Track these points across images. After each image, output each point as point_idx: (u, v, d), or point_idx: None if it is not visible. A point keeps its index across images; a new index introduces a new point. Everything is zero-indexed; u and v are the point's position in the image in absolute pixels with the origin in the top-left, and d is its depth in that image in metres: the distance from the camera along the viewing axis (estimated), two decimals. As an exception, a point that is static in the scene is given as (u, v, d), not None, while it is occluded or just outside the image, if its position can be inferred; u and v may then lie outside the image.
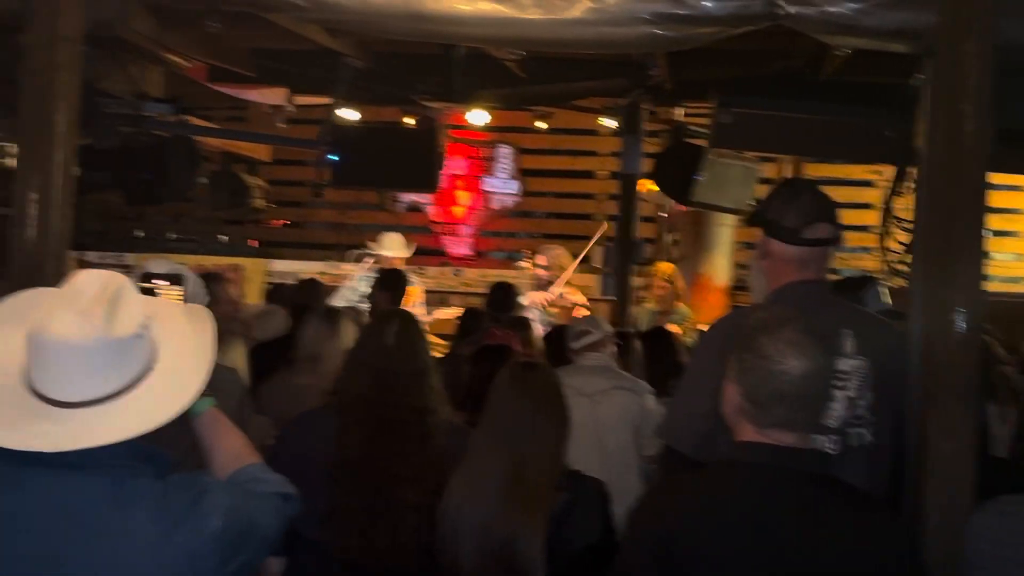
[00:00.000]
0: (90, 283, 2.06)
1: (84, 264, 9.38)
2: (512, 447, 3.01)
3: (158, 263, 3.50)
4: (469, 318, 6.51)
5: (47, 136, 3.53)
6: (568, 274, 7.80)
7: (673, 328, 6.91)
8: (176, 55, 6.34)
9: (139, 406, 2.04)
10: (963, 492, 3.03)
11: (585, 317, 5.09)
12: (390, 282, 6.53)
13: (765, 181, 8.32)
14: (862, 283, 5.26)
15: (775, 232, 3.10)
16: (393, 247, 8.38)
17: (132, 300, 2.09)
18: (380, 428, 3.27)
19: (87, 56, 4.93)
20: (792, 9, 3.54)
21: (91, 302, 2.02)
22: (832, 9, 3.53)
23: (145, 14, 5.43)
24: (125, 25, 4.06)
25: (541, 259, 7.89)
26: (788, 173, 9.14)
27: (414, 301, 7.70)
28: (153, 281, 2.61)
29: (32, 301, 2.18)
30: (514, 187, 11.56)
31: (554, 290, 7.64)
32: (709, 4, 3.61)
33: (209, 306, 4.30)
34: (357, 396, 3.32)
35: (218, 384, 3.54)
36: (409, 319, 3.53)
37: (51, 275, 3.53)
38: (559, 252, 7.97)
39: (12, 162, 4.70)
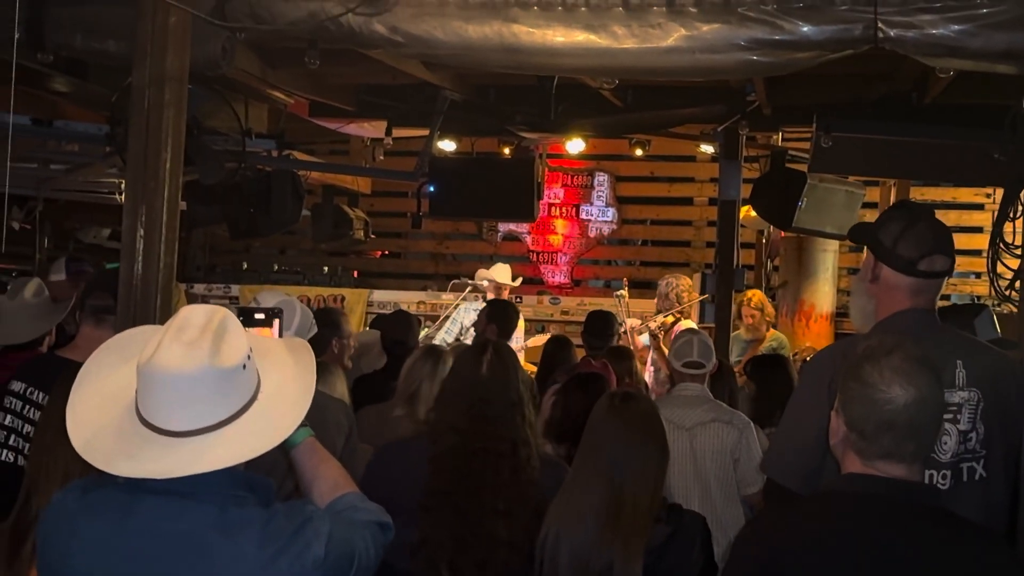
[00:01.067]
0: (196, 316, 2.11)
1: (192, 295, 9.65)
2: (610, 479, 2.98)
3: (267, 295, 3.56)
4: (553, 346, 6.47)
5: (154, 173, 3.64)
6: (685, 307, 7.71)
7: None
8: (279, 91, 6.50)
9: (243, 435, 2.08)
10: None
11: (691, 339, 4.93)
12: (499, 313, 6.53)
13: (869, 205, 8.17)
14: (973, 311, 5.08)
15: (889, 260, 2.98)
16: (503, 275, 8.37)
17: (236, 332, 2.14)
18: (472, 459, 3.25)
19: (194, 94, 5.10)
20: (893, 32, 3.46)
21: (197, 335, 2.07)
22: (935, 31, 3.44)
23: (249, 53, 5.60)
24: (229, 64, 4.16)
25: (660, 287, 7.85)
26: (893, 197, 8.93)
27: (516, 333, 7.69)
28: (254, 316, 2.65)
29: (141, 335, 2.25)
30: (611, 215, 11.52)
31: (657, 319, 7.57)
32: (807, 29, 3.56)
33: (329, 339, 4.36)
34: (450, 426, 3.32)
35: (329, 415, 3.60)
36: (503, 349, 3.51)
37: (158, 308, 3.64)
38: (679, 281, 7.89)
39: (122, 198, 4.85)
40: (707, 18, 3.65)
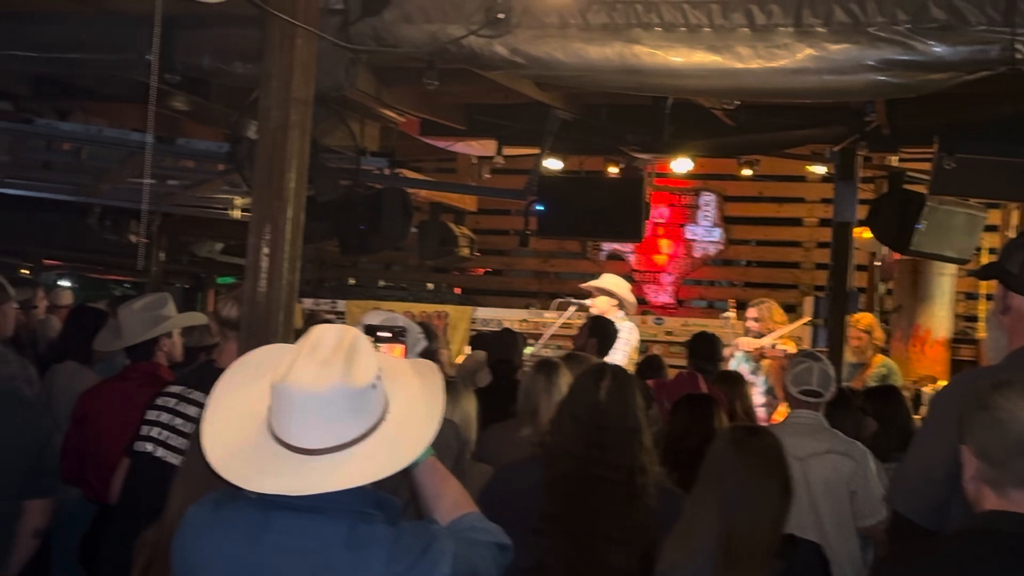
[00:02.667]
0: (329, 336, 2.15)
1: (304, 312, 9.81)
2: (729, 513, 2.90)
3: (376, 314, 3.59)
4: (647, 366, 6.38)
5: (278, 192, 3.70)
6: (786, 330, 7.56)
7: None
8: (392, 110, 6.59)
9: (375, 454, 2.10)
10: None
11: (808, 365, 4.78)
12: (600, 329, 6.49)
13: (990, 228, 7.92)
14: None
15: (1019, 286, 2.91)
16: (618, 285, 8.26)
17: (367, 352, 2.16)
18: (588, 485, 3.21)
19: (312, 113, 5.20)
20: (1032, 53, 3.34)
21: (330, 354, 2.10)
22: (1078, 52, 3.31)
23: (365, 72, 5.68)
24: (352, 85, 4.23)
25: (752, 311, 7.68)
26: (1015, 219, 8.63)
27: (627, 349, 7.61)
28: (378, 333, 2.68)
29: (274, 354, 2.30)
30: (717, 235, 11.38)
31: (766, 340, 7.42)
32: (941, 49, 3.45)
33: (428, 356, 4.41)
34: (565, 451, 3.28)
35: (438, 437, 3.61)
36: (622, 374, 3.46)
37: (281, 324, 3.70)
38: (770, 304, 7.74)
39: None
40: (836, 38, 3.57)
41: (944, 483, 2.55)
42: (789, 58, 3.60)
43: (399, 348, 2.64)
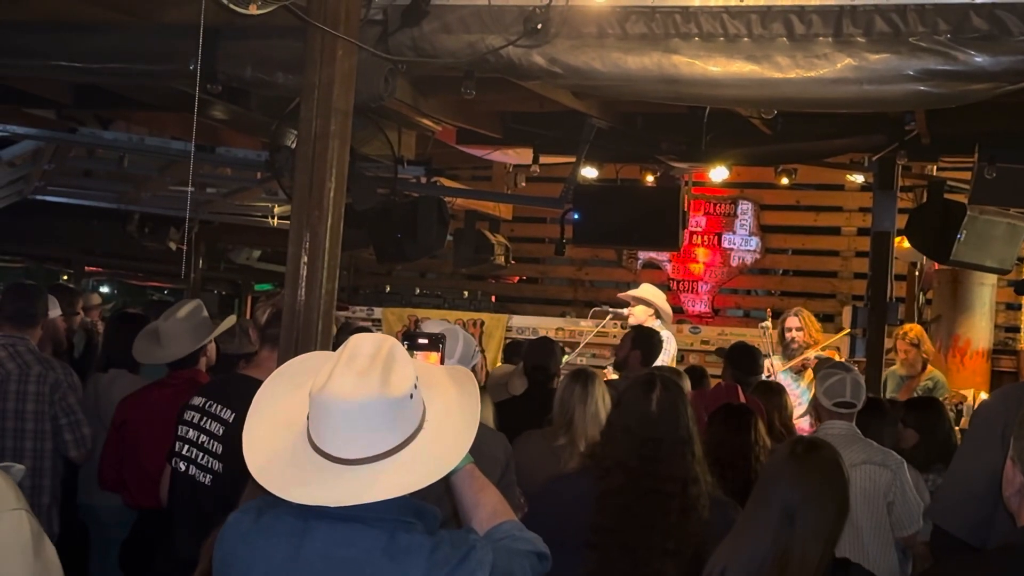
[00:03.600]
0: (366, 346, 2.16)
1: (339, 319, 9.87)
2: (780, 530, 2.87)
3: (430, 324, 3.60)
4: (690, 376, 6.34)
5: (318, 202, 3.73)
6: (828, 342, 7.51)
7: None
8: (429, 119, 6.61)
9: (413, 464, 2.11)
10: None
11: (841, 377, 4.76)
12: (644, 340, 6.47)
13: (1031, 239, 7.82)
14: None
15: None
16: (655, 295, 8.24)
17: (404, 362, 2.17)
18: (641, 497, 3.20)
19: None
20: (1075, 63, 3.31)
21: (368, 364, 2.11)
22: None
23: (403, 81, 5.70)
24: (391, 96, 4.26)
25: (793, 320, 7.63)
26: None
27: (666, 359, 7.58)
28: (417, 340, 2.69)
29: (312, 363, 2.32)
30: (754, 244, 11.33)
31: (809, 353, 7.37)
32: (982, 59, 3.43)
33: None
34: (618, 463, 3.27)
35: (484, 448, 3.62)
36: (672, 385, 3.44)
37: (320, 333, 3.72)
38: (805, 313, 7.69)
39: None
40: (876, 48, 3.55)
41: (987, 498, 2.53)
42: (828, 68, 3.58)
43: (435, 356, 2.65)
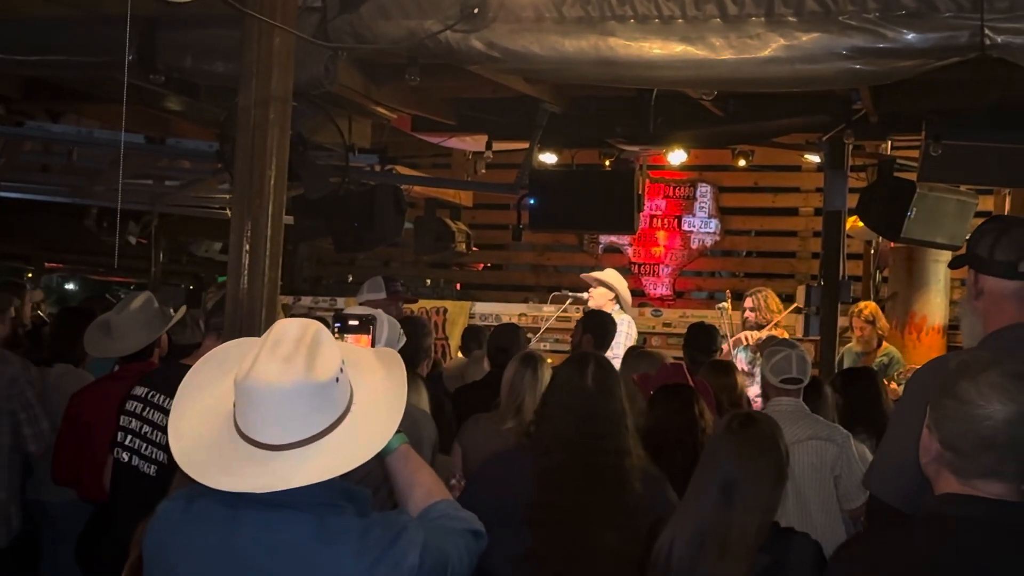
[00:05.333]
0: (291, 330, 2.16)
1: (299, 308, 9.85)
2: (720, 502, 2.93)
3: (353, 308, 3.61)
4: (635, 359, 6.38)
5: (259, 190, 3.74)
6: (780, 318, 7.59)
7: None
8: (382, 107, 6.61)
9: (340, 447, 2.12)
10: None
11: (787, 353, 4.83)
12: (595, 324, 6.51)
13: (982, 214, 7.91)
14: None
15: (988, 268, 2.92)
16: (616, 279, 8.28)
17: (329, 345, 2.18)
18: (580, 471, 3.27)
19: (299, 111, 5.22)
20: (1000, 39, 3.36)
21: (293, 349, 2.11)
22: (1046, 37, 3.33)
23: (352, 69, 5.70)
24: (332, 83, 4.26)
25: (748, 301, 7.71)
26: (1008, 205, 8.63)
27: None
28: (349, 322, 2.71)
29: (237, 350, 2.33)
30: (714, 226, 11.39)
31: (763, 333, 7.45)
32: (911, 36, 3.47)
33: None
34: (556, 439, 3.33)
35: (424, 431, 3.65)
36: (604, 362, 3.52)
37: (263, 321, 3.73)
38: (767, 293, 7.77)
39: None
40: (807, 27, 3.59)
41: (918, 466, 2.56)
42: (761, 48, 3.62)
43: (365, 338, 2.67)
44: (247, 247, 3.71)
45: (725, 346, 7.37)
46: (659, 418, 4.08)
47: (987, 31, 3.40)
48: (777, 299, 7.72)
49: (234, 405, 2.14)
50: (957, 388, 2.14)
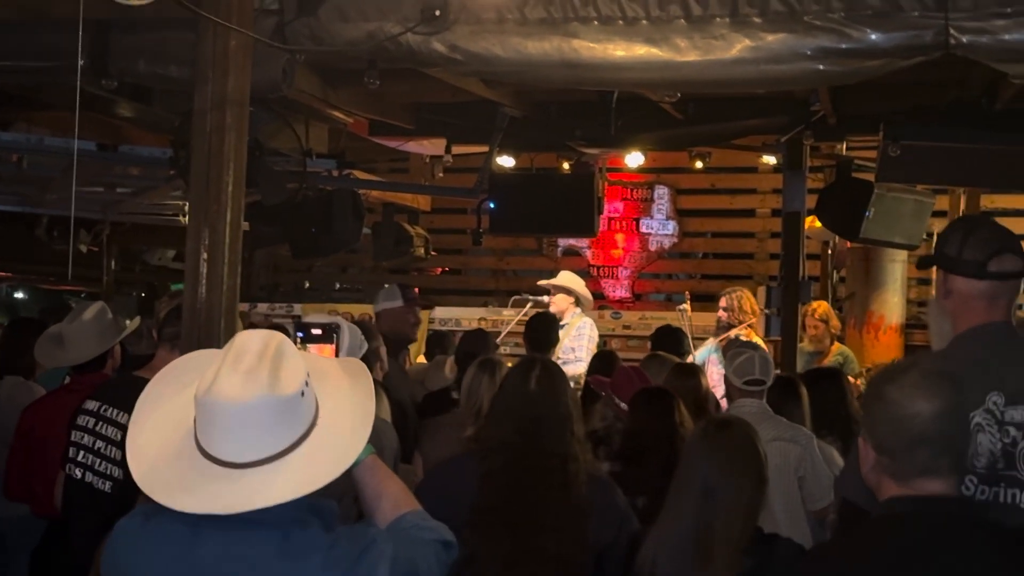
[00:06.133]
0: (253, 343, 2.09)
1: (255, 315, 9.73)
2: (701, 509, 2.91)
3: (315, 316, 3.55)
4: (601, 362, 6.37)
5: (216, 196, 3.65)
6: (753, 319, 7.60)
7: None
8: (339, 111, 6.54)
9: (307, 464, 2.05)
10: None
11: (750, 355, 4.83)
12: (530, 327, 6.53)
13: (939, 214, 7.99)
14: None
15: (957, 267, 2.93)
16: (574, 282, 8.26)
17: (293, 358, 2.11)
18: (522, 475, 3.26)
19: (256, 116, 5.13)
20: (965, 38, 3.37)
21: (255, 362, 2.04)
22: (1009, 36, 3.35)
23: (309, 73, 5.63)
24: (290, 86, 4.19)
25: (722, 301, 7.72)
26: (963, 204, 8.73)
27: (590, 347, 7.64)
28: (312, 331, 2.65)
29: (197, 363, 2.24)
30: (672, 228, 11.42)
31: (733, 333, 7.46)
32: (876, 36, 3.48)
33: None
34: (500, 442, 3.32)
35: (385, 441, 3.60)
36: (551, 365, 3.53)
37: (222, 330, 3.64)
38: (741, 293, 7.78)
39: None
40: (772, 28, 3.59)
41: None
42: (727, 49, 3.61)
43: (329, 348, 2.61)
44: (205, 255, 3.62)
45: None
46: (638, 423, 4.06)
47: (952, 30, 3.41)
48: (753, 300, 7.72)
49: (195, 421, 2.06)
50: (882, 393, 2.20)
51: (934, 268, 3.09)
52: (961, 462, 2.27)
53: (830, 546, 2.47)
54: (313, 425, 2.10)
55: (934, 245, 3.08)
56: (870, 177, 6.74)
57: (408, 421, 4.98)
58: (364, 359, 3.91)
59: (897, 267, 9.22)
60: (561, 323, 7.98)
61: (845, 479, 3.10)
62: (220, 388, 2.00)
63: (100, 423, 3.40)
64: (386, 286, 6.45)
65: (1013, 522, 2.71)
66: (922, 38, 3.47)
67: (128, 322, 4.87)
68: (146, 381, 2.89)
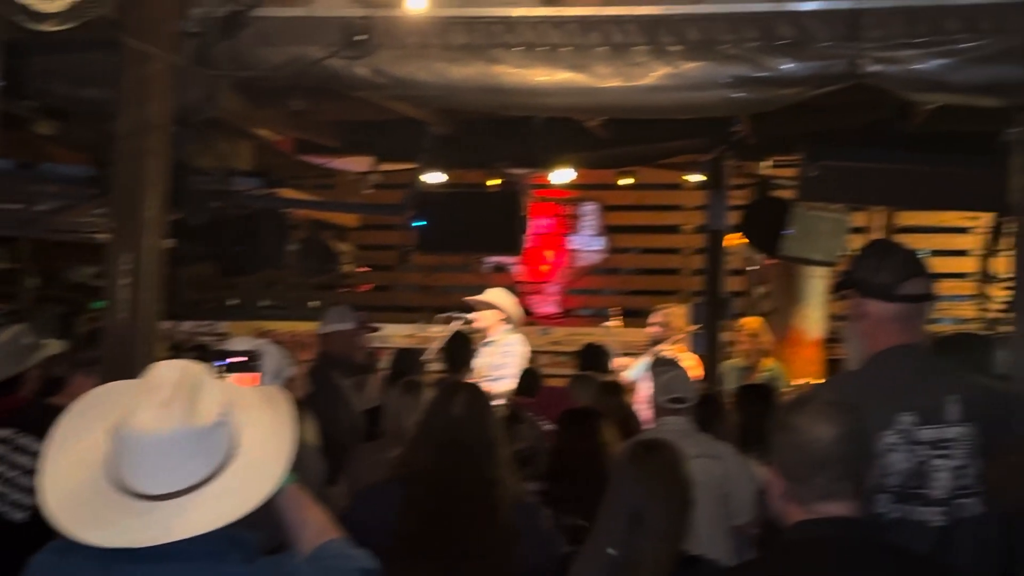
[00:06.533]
0: (169, 374, 2.07)
1: (179, 334, 9.58)
2: (630, 532, 2.92)
3: (237, 341, 3.52)
4: (522, 380, 6.42)
5: (138, 220, 3.63)
6: (682, 336, 7.69)
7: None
8: (265, 130, 6.49)
9: (225, 494, 2.04)
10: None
11: (674, 373, 4.90)
12: (445, 347, 6.56)
13: (856, 231, 8.17)
14: (990, 342, 5.01)
15: (870, 291, 3.02)
16: (503, 299, 8.27)
17: (211, 388, 2.10)
18: (446, 501, 3.23)
19: (179, 135, 5.08)
20: (875, 68, 3.49)
21: (171, 394, 2.03)
22: (917, 67, 3.47)
23: (233, 94, 5.58)
24: (214, 109, 4.17)
25: (655, 317, 7.80)
26: (880, 222, 8.94)
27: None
28: (233, 359, 2.63)
29: (113, 394, 2.22)
30: (599, 244, 11.52)
31: (662, 349, 7.55)
32: (789, 66, 3.58)
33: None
34: (423, 468, 3.29)
35: (309, 464, 3.58)
36: (475, 390, 3.51)
37: (142, 355, 3.61)
38: (672, 310, 7.87)
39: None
40: (690, 56, 3.67)
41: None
42: (646, 76, 3.68)
43: (250, 376, 2.60)
44: (125, 280, 3.58)
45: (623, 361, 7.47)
46: (563, 443, 4.09)
47: (862, 60, 3.52)
48: (684, 317, 7.80)
49: (110, 454, 2.04)
50: (787, 421, 2.28)
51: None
52: (864, 485, 2.32)
53: (744, 569, 2.52)
54: (232, 455, 2.09)
55: (849, 267, 3.16)
56: (789, 195, 6.87)
57: (340, 443, 4.96)
58: (288, 383, 3.89)
59: (817, 283, 9.40)
60: (489, 340, 8.02)
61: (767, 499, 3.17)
62: (136, 420, 1.98)
63: (12, 451, 3.33)
64: (335, 307, 6.37)
65: (924, 539, 2.81)
66: (833, 68, 3.57)
67: (48, 343, 4.77)
68: (60, 409, 2.85)
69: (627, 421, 5.46)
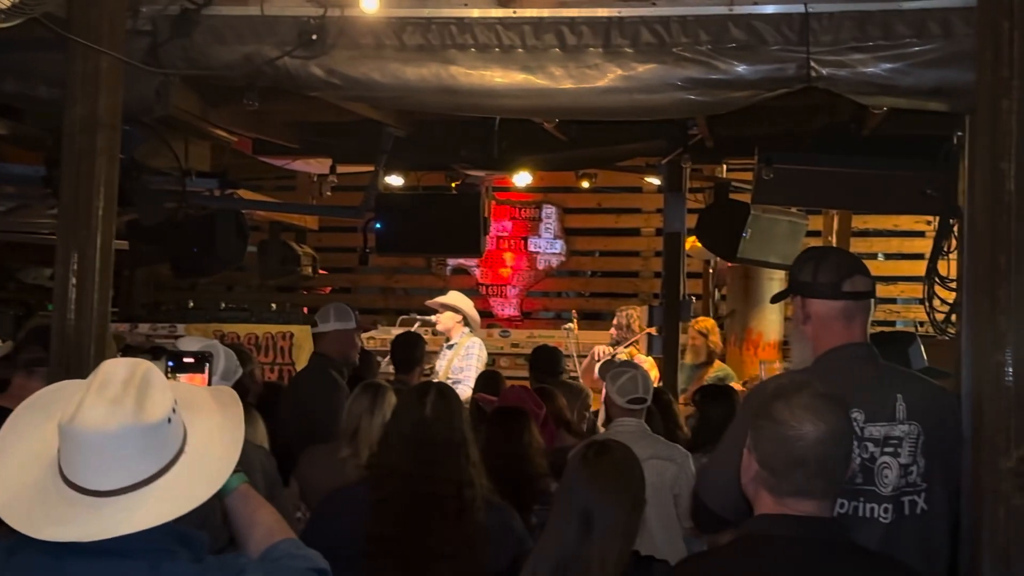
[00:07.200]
0: (118, 371, 2.08)
1: (136, 335, 9.48)
2: (579, 533, 2.94)
3: (188, 341, 3.50)
4: (484, 381, 6.43)
5: (86, 221, 3.58)
6: (637, 338, 7.74)
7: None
8: (221, 130, 6.44)
9: (172, 491, 2.05)
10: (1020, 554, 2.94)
11: (632, 374, 4.94)
12: (394, 351, 6.57)
13: (813, 234, 8.25)
14: (905, 340, 5.12)
15: (814, 291, 3.08)
16: (462, 301, 8.28)
17: (160, 385, 2.11)
18: (416, 502, 3.25)
19: (132, 135, 5.03)
20: (825, 71, 3.53)
21: (120, 391, 2.04)
22: (867, 70, 3.51)
23: (188, 92, 5.54)
24: (165, 108, 4.13)
25: (616, 318, 7.87)
26: (836, 225, 9.04)
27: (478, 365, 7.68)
28: (184, 360, 2.62)
29: (62, 393, 2.22)
30: (559, 247, 11.56)
31: (620, 350, 7.60)
32: (742, 68, 3.61)
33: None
34: (393, 470, 3.30)
35: (256, 464, 3.57)
36: (447, 390, 3.52)
37: (91, 356, 3.57)
38: (631, 312, 7.91)
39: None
40: (643, 58, 3.69)
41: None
42: (600, 78, 3.69)
43: (200, 377, 2.59)
44: (74, 280, 3.54)
45: (584, 362, 7.49)
46: (489, 441, 4.11)
47: (813, 63, 3.56)
48: (642, 319, 7.85)
49: (59, 451, 2.04)
50: (773, 410, 2.26)
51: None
52: (838, 485, 2.33)
53: (699, 563, 2.53)
54: (180, 452, 2.10)
55: (789, 273, 3.21)
56: (745, 198, 6.92)
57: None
58: (239, 384, 3.88)
59: (775, 285, 9.45)
60: (450, 343, 8.03)
61: (704, 485, 3.21)
62: (84, 417, 1.99)
63: None
64: (338, 306, 6.29)
65: (870, 534, 2.85)
66: (785, 71, 3.61)
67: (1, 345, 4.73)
68: (4, 409, 2.82)
69: (566, 424, 5.47)
